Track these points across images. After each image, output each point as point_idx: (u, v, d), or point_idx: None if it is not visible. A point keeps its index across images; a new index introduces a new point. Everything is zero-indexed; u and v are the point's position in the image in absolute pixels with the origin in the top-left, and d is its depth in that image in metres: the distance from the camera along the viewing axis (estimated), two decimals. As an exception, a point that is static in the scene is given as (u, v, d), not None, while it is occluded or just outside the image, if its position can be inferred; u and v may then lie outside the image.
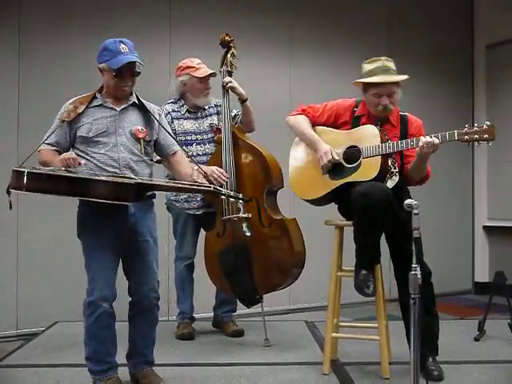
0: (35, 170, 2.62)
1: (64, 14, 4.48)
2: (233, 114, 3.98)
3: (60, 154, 2.87)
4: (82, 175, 2.64)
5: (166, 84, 4.53)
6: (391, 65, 3.21)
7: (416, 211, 2.39)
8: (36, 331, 4.22)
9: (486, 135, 2.92)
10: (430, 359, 3.15)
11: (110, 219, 2.77)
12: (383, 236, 3.17)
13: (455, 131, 2.97)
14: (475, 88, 6.32)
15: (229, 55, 3.95)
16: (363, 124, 3.25)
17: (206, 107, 4.02)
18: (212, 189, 2.60)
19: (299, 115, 3.43)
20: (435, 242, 5.52)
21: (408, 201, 2.42)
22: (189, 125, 3.95)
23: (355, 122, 3.28)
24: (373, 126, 3.19)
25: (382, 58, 3.21)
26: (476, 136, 2.93)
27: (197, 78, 3.89)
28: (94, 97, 2.94)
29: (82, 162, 2.76)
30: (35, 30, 4.40)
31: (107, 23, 4.53)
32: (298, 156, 3.44)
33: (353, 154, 3.18)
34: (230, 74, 3.95)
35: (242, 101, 3.90)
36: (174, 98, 4.03)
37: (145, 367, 2.98)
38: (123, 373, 3.00)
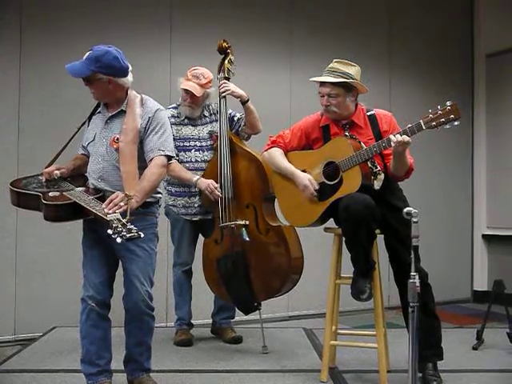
0: (12, 187, 2.83)
1: (65, 15, 4.48)
2: (236, 118, 3.98)
3: (88, 157, 2.98)
4: (32, 191, 2.78)
5: (167, 90, 4.55)
6: (341, 67, 3.19)
7: (415, 219, 2.39)
8: (34, 336, 4.21)
9: (452, 115, 2.85)
10: (431, 367, 3.13)
11: (94, 227, 2.81)
12: (382, 242, 3.18)
13: (421, 121, 2.91)
14: (475, 96, 6.34)
15: (226, 61, 3.94)
16: (334, 133, 3.25)
17: (207, 114, 4.01)
18: (108, 219, 2.41)
19: (272, 148, 3.42)
20: (434, 250, 5.53)
21: (407, 209, 2.42)
22: (188, 131, 3.94)
23: (325, 132, 3.29)
24: (341, 137, 3.20)
25: (341, 60, 3.23)
26: (442, 119, 2.86)
27: (180, 87, 3.89)
28: (98, 104, 2.97)
29: (56, 172, 2.89)
30: (36, 31, 4.41)
31: (108, 26, 4.54)
32: (281, 186, 3.42)
33: (332, 170, 3.18)
34: (227, 80, 3.94)
35: (244, 102, 3.88)
36: (177, 103, 4.02)
37: (141, 374, 2.96)
38: (122, 379, 3.00)
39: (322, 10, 5.56)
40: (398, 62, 5.89)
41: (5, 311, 4.26)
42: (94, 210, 2.53)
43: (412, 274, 2.37)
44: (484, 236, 6.21)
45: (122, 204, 2.55)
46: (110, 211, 2.49)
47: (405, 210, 2.43)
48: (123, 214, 2.48)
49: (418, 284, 2.35)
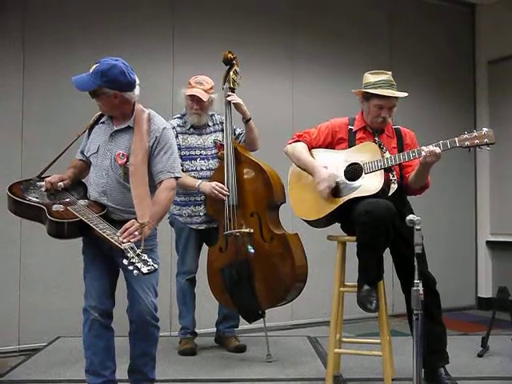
0: (10, 194, 2.79)
1: (68, 26, 4.51)
2: (237, 133, 4.02)
3: (86, 163, 2.98)
4: (34, 203, 2.76)
5: (169, 100, 4.57)
6: (393, 80, 3.25)
7: (418, 227, 2.40)
8: (38, 346, 4.21)
9: (486, 139, 2.96)
10: (443, 372, 3.16)
11: (95, 239, 2.74)
12: (387, 251, 3.17)
13: (455, 138, 3.00)
14: (477, 102, 6.35)
15: (231, 72, 3.99)
16: (360, 138, 3.28)
17: (211, 124, 4.04)
18: (122, 248, 2.40)
19: (296, 143, 3.40)
20: (438, 257, 5.50)
21: (410, 216, 2.43)
22: (193, 140, 3.97)
23: (352, 137, 3.30)
24: (371, 142, 3.22)
25: (388, 72, 3.26)
26: (476, 141, 2.96)
27: (186, 95, 3.92)
28: (103, 114, 2.95)
29: (60, 184, 2.87)
30: (39, 42, 4.43)
31: (111, 37, 4.58)
32: (297, 178, 3.40)
33: (354, 171, 3.18)
34: (232, 90, 3.98)
35: (246, 120, 3.93)
36: (181, 112, 4.05)
37: (144, 384, 2.96)
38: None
39: (323, 19, 5.58)
40: (399, 70, 5.89)
41: (9, 321, 4.26)
42: (105, 235, 2.50)
43: (415, 281, 2.37)
44: (488, 242, 6.20)
45: (136, 233, 2.53)
46: (125, 240, 2.47)
47: (408, 217, 2.43)
48: (137, 243, 2.47)
49: (421, 292, 2.35)
